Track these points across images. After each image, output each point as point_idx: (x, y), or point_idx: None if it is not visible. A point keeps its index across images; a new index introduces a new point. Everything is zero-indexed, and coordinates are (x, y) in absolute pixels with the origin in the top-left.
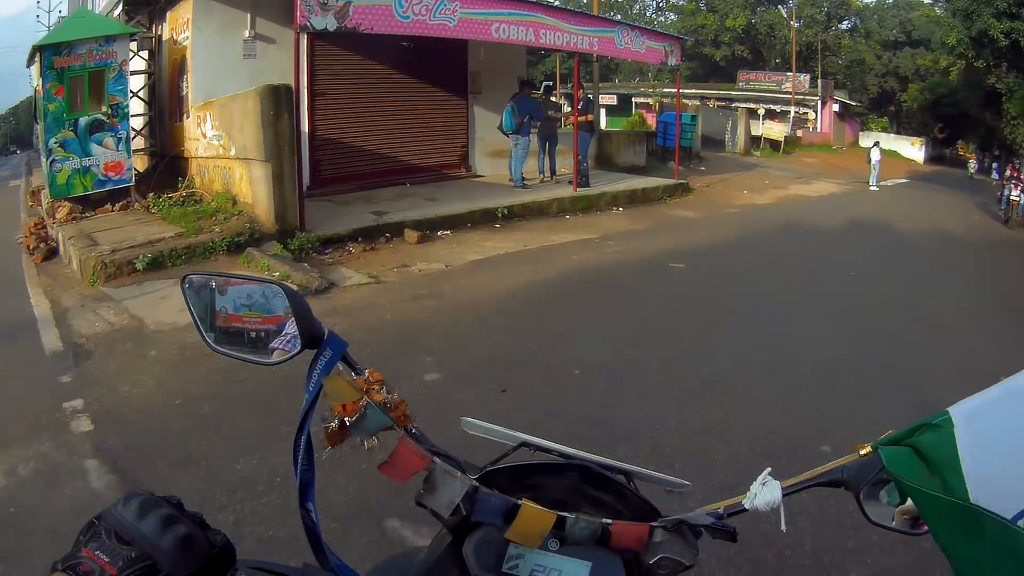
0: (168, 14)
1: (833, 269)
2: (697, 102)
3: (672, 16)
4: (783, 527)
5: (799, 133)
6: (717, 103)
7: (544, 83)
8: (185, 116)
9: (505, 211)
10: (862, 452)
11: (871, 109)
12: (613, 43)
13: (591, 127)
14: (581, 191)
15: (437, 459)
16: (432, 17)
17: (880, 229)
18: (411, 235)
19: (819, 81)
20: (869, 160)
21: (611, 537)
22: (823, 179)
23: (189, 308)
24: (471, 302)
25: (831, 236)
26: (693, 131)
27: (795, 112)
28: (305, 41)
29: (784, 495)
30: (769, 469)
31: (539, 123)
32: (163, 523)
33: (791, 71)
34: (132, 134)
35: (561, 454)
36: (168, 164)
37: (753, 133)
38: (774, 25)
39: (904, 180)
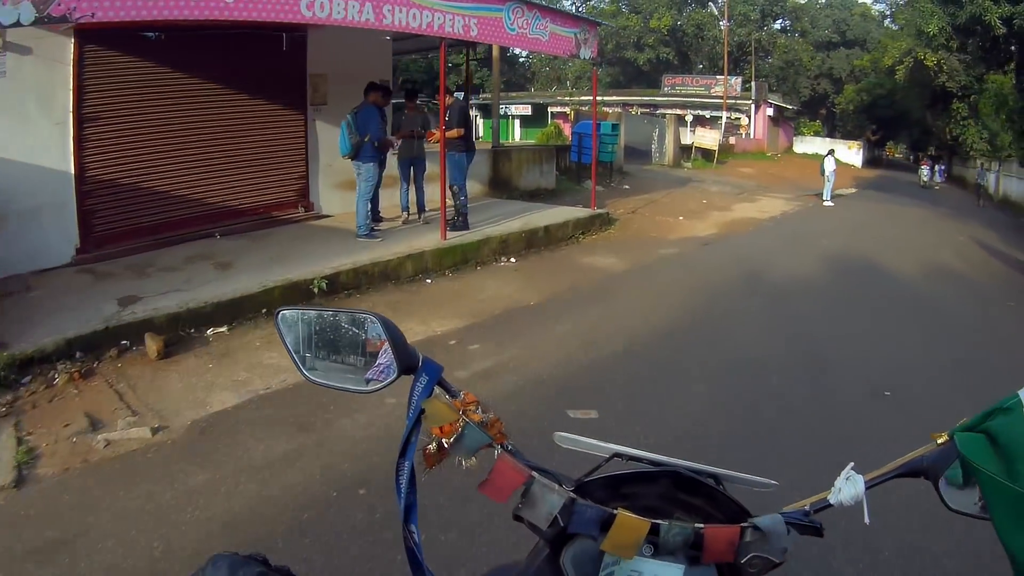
0: None
1: (852, 387)
2: (619, 109)
3: None
4: (867, 520)
5: (732, 140)
6: (640, 110)
7: (410, 86)
8: None
9: (325, 284)
10: (939, 441)
11: (802, 112)
12: (501, 26)
13: (468, 145)
14: (454, 238)
15: (535, 473)
16: None
17: (872, 275)
18: (152, 345)
19: (752, 83)
20: (822, 171)
21: (704, 541)
22: (768, 194)
23: (284, 343)
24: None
25: (814, 296)
26: (615, 143)
27: (727, 117)
28: (72, 46)
29: (867, 488)
30: (852, 464)
31: (378, 143)
32: None
33: (720, 74)
34: None
35: (652, 462)
36: None
37: (682, 142)
38: (702, 25)
39: (853, 190)
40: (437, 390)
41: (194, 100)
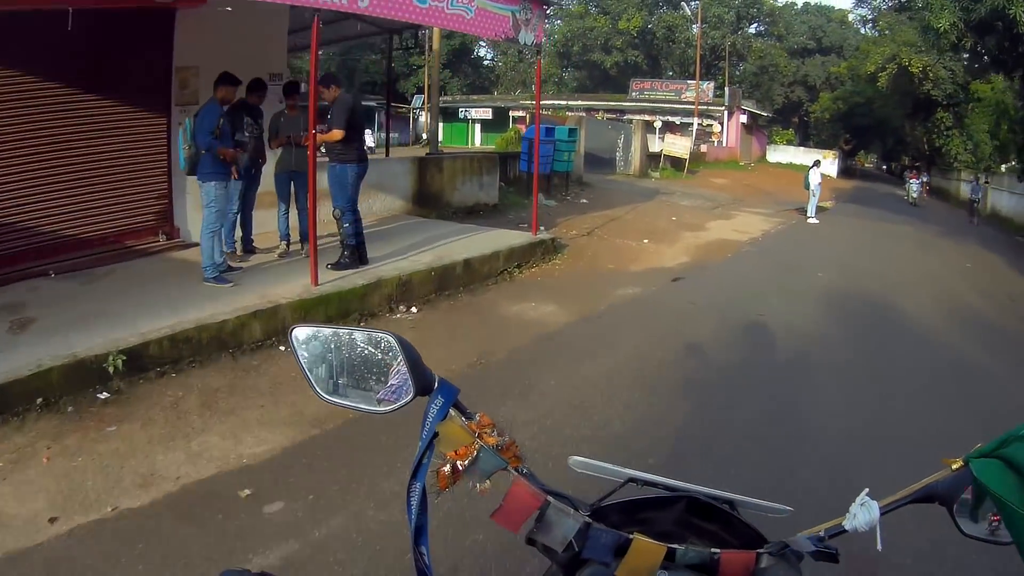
0: None
1: None
2: (581, 113)
3: (557, 22)
4: (879, 546)
5: (703, 148)
6: (607, 115)
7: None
8: None
9: (122, 362)
10: (954, 467)
11: (774, 120)
12: None
13: (358, 154)
14: (331, 281)
15: (551, 497)
16: None
17: (892, 329)
18: None
19: (726, 89)
20: (807, 184)
21: (719, 566)
22: (745, 208)
23: (298, 360)
24: None
25: (828, 374)
26: (572, 150)
27: (698, 124)
28: None
29: (881, 514)
30: (867, 490)
31: (212, 153)
32: None
33: (692, 78)
34: None
35: (667, 487)
36: None
37: (650, 150)
38: (674, 27)
39: (833, 203)
40: (452, 412)
41: (28, 104)
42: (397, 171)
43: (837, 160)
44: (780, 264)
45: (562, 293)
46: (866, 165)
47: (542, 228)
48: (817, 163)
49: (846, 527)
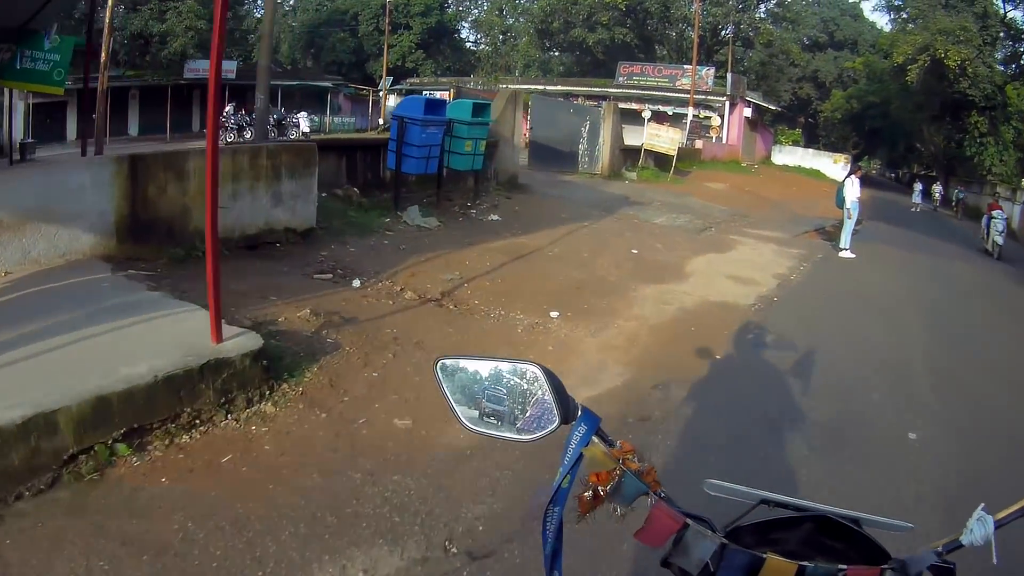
0: None
1: None
2: (518, 90)
3: None
4: (995, 560)
5: (699, 144)
6: (588, 102)
7: None
8: None
9: None
10: None
11: (779, 119)
12: None
13: None
14: None
15: (689, 520)
16: None
17: None
18: None
19: (728, 76)
20: (840, 202)
21: None
22: (748, 229)
23: (443, 391)
24: None
25: None
26: (481, 138)
27: (693, 115)
28: None
29: (996, 528)
30: (983, 505)
31: None
32: None
33: (690, 63)
34: None
35: (797, 508)
36: None
37: (628, 142)
38: (669, 3)
39: (860, 221)
40: (594, 439)
41: None
42: (82, 182)
43: (850, 165)
44: (819, 392)
45: None
46: (871, 172)
47: (345, 281)
48: (857, 169)
49: (963, 542)
